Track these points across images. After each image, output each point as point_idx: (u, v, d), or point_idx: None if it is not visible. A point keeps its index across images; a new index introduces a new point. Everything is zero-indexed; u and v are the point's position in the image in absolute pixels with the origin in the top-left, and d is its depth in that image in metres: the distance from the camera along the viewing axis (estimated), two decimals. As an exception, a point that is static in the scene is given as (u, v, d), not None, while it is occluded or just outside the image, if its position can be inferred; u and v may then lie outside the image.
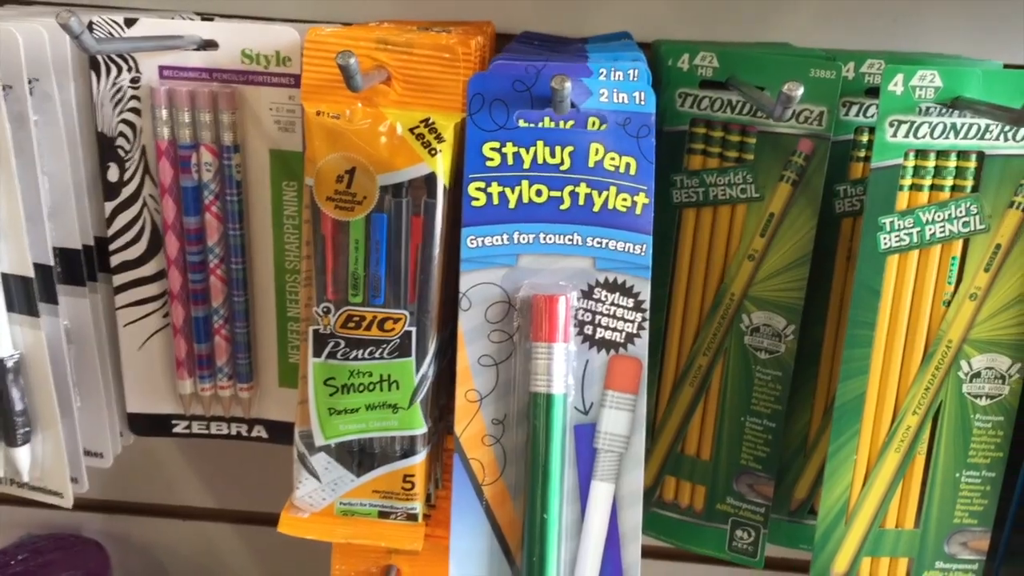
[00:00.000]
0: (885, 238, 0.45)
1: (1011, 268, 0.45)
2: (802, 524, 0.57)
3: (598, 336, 0.40)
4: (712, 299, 0.53)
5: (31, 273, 0.47)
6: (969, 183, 0.45)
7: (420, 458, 0.49)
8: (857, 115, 0.50)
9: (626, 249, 0.40)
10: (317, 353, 0.47)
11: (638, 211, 0.40)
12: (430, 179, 0.44)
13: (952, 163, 0.45)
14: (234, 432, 0.58)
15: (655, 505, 0.58)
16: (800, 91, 0.40)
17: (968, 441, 0.48)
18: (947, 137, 0.44)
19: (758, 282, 0.52)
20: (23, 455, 0.50)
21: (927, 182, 0.45)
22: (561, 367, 0.40)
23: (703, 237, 0.53)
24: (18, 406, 0.49)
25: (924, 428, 0.48)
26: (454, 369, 0.53)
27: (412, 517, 0.50)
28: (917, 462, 0.49)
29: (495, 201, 0.41)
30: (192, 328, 0.54)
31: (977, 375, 0.47)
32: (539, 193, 0.41)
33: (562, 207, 0.40)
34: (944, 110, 0.44)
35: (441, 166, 0.44)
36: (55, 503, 0.52)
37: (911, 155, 0.44)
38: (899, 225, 0.45)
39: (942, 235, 0.45)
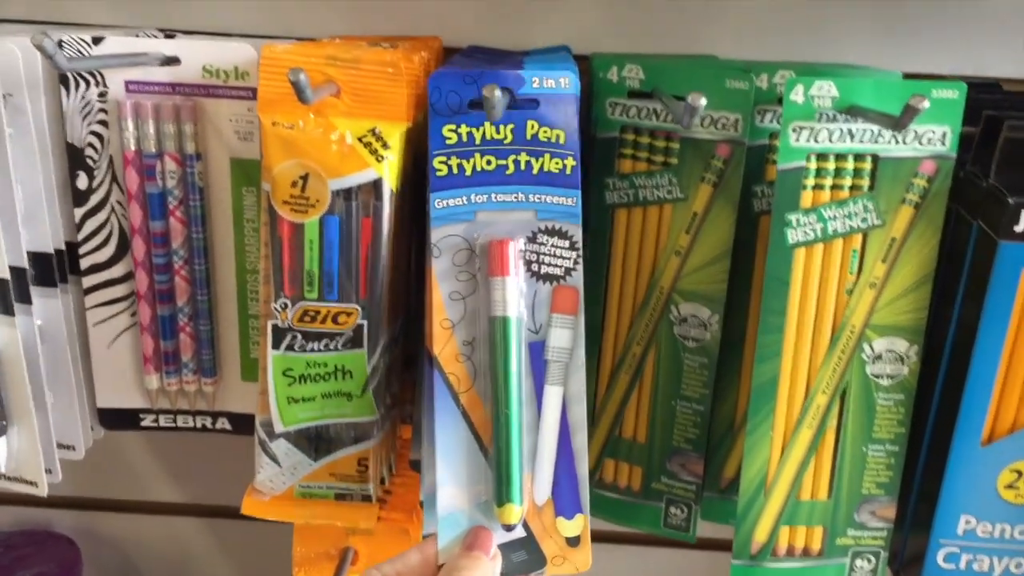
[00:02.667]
0: (792, 233, 0.50)
1: (906, 258, 0.50)
2: (732, 500, 0.61)
3: (542, 272, 0.48)
4: (644, 293, 0.58)
5: (7, 275, 0.51)
6: (866, 183, 0.50)
7: (373, 443, 0.53)
8: (771, 122, 0.55)
9: (560, 202, 0.48)
10: (276, 346, 0.50)
11: (568, 172, 0.48)
12: (378, 184, 0.48)
13: (850, 165, 0.49)
14: (199, 425, 0.61)
15: (596, 486, 0.62)
16: (703, 102, 0.45)
17: (873, 418, 0.53)
18: (844, 141, 0.49)
19: (685, 276, 0.56)
20: (0, 448, 0.54)
21: (828, 182, 0.50)
22: (514, 296, 0.47)
23: (634, 235, 0.57)
24: (-7, 400, 0.53)
25: (833, 406, 0.52)
26: (406, 360, 0.58)
27: (367, 498, 0.54)
28: (828, 438, 0.53)
29: (455, 171, 0.47)
30: (158, 326, 0.58)
31: (879, 357, 0.52)
32: (489, 163, 0.47)
33: (507, 172, 0.48)
34: (841, 116, 0.48)
35: (388, 171, 0.48)
36: (30, 492, 0.55)
37: (813, 158, 0.49)
38: (804, 221, 0.50)
39: (843, 230, 0.50)
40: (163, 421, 0.61)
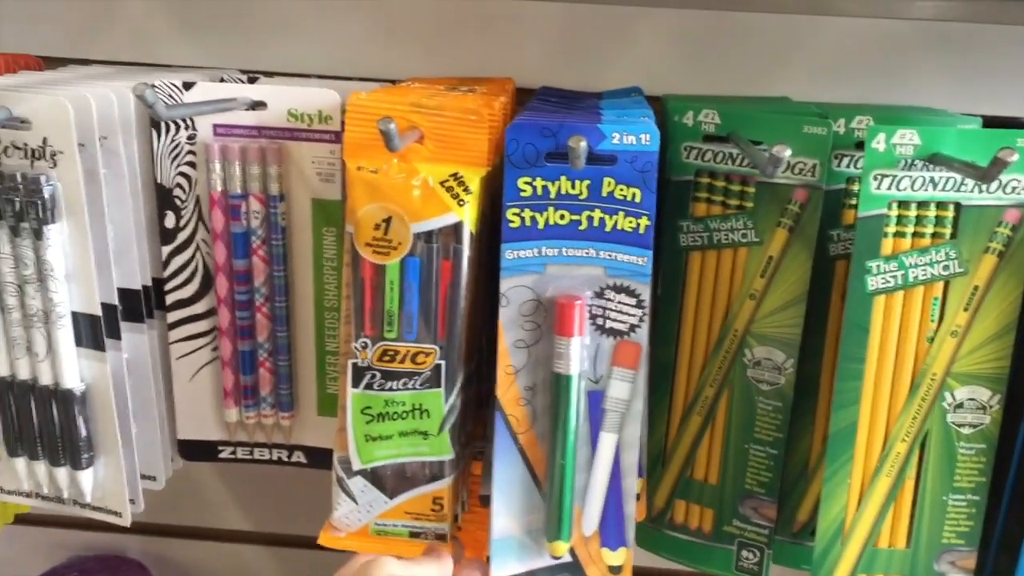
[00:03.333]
0: (872, 280, 0.50)
1: (988, 307, 0.50)
2: (804, 545, 0.61)
3: (607, 326, 0.49)
4: (717, 335, 0.58)
5: (99, 312, 0.52)
6: (948, 231, 0.49)
7: (448, 482, 0.53)
8: (848, 167, 0.55)
9: (631, 261, 0.49)
10: (355, 384, 0.51)
11: (641, 231, 0.48)
12: (458, 227, 0.49)
13: (932, 213, 0.49)
14: (275, 457, 0.62)
15: (666, 527, 0.62)
16: (788, 153, 0.45)
17: (954, 467, 0.52)
18: (926, 189, 0.49)
19: (759, 319, 0.56)
20: (87, 478, 0.55)
21: (909, 230, 0.49)
22: (577, 355, 0.49)
23: (708, 278, 0.58)
24: (83, 433, 0.54)
25: (912, 454, 0.52)
26: (480, 398, 0.58)
27: (441, 537, 0.55)
28: (907, 486, 0.53)
29: (527, 223, 0.48)
30: (239, 361, 0.59)
31: (960, 406, 0.51)
32: (562, 217, 0.49)
33: (580, 228, 0.48)
34: (923, 165, 0.48)
35: (468, 215, 0.49)
36: (114, 522, 0.57)
37: (894, 205, 0.49)
38: (884, 268, 0.49)
39: (924, 277, 0.50)
40: (240, 453, 0.62)
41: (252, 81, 0.62)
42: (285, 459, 0.62)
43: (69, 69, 0.65)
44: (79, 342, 0.53)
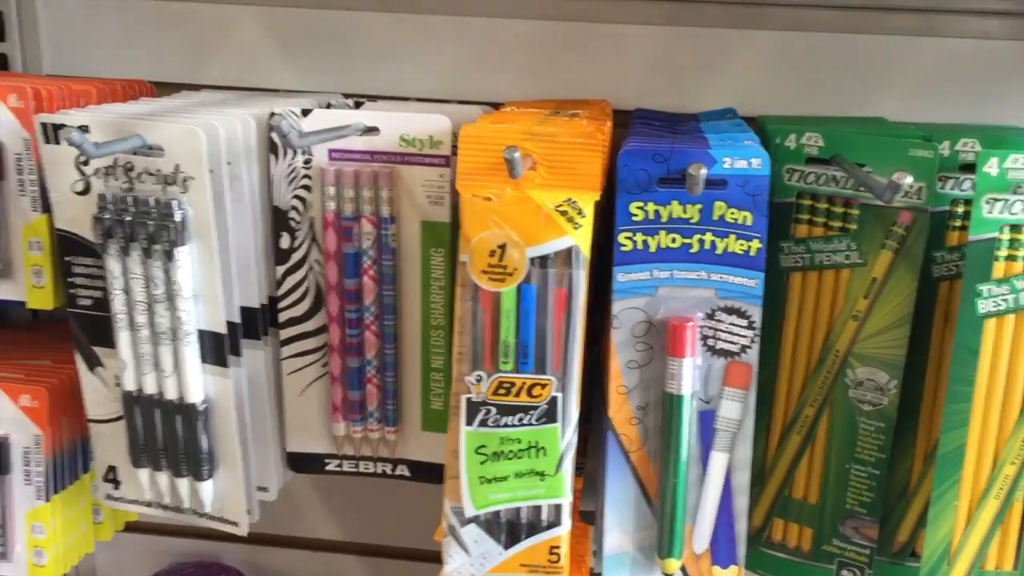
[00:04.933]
0: (983, 303, 0.50)
1: (1102, 331, 0.50)
2: (904, 566, 0.61)
3: (718, 347, 0.51)
4: (818, 355, 0.58)
5: (223, 329, 0.55)
6: (1061, 254, 0.49)
7: (566, 528, 0.53)
8: (953, 188, 0.55)
9: (742, 283, 0.50)
10: (470, 421, 0.52)
11: (752, 253, 0.50)
12: (573, 251, 0.50)
13: (1045, 236, 0.49)
14: (380, 471, 0.64)
15: (764, 545, 0.62)
16: (908, 180, 0.46)
17: (1064, 490, 0.52)
18: (1040, 213, 0.49)
19: (862, 340, 0.56)
20: (207, 489, 0.58)
21: (1021, 253, 0.49)
22: (689, 375, 0.50)
23: (809, 298, 0.58)
24: (205, 445, 0.57)
25: (1022, 477, 0.52)
26: (586, 435, 0.59)
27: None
28: (1015, 508, 0.53)
29: (639, 247, 0.50)
30: (348, 377, 0.61)
31: (1072, 429, 0.51)
32: (673, 240, 0.50)
33: (692, 251, 0.50)
34: (1037, 189, 0.48)
35: (583, 239, 0.50)
36: (231, 531, 0.59)
37: (1006, 229, 0.49)
38: (996, 292, 0.50)
39: (1037, 301, 0.50)
40: (347, 466, 0.64)
41: (358, 106, 0.65)
42: (389, 472, 0.64)
43: (183, 95, 0.68)
44: (203, 358, 0.56)
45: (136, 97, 0.68)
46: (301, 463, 0.64)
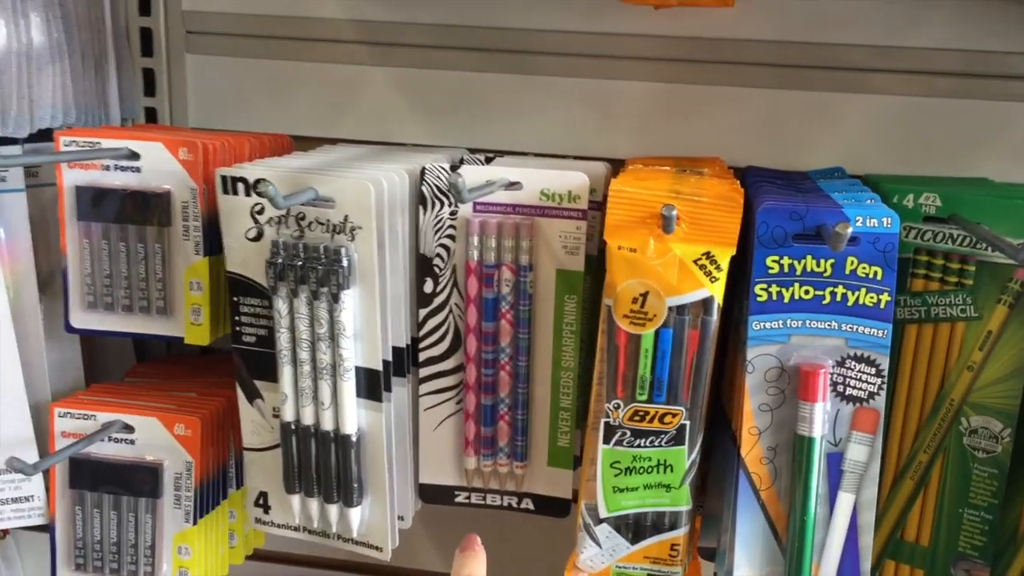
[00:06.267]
0: (1102, 358, 0.53)
1: None
2: (1013, 608, 0.63)
3: (847, 393, 0.54)
4: (932, 403, 0.61)
5: (380, 367, 0.59)
6: None
7: (685, 530, 0.58)
8: (1065, 248, 0.58)
9: (871, 333, 0.54)
10: (607, 440, 0.57)
11: (882, 306, 0.54)
12: (708, 301, 0.55)
13: None
14: (506, 503, 0.68)
15: (875, 585, 0.65)
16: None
17: None
18: None
19: (976, 390, 0.59)
20: (356, 515, 0.62)
21: None
22: (820, 419, 0.54)
23: (924, 349, 0.61)
24: (356, 474, 0.61)
25: None
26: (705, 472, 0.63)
27: (676, 582, 0.59)
28: None
29: (773, 298, 0.54)
30: (481, 414, 0.65)
31: None
32: (807, 292, 0.54)
33: (824, 302, 0.54)
34: None
35: (718, 291, 0.54)
36: (375, 556, 0.63)
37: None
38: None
39: None
40: (475, 499, 0.68)
41: (488, 161, 0.70)
42: (515, 505, 0.68)
43: (324, 149, 0.74)
44: (358, 393, 0.60)
45: (279, 149, 0.74)
46: (432, 494, 0.68)
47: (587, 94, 0.77)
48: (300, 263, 0.58)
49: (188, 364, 0.81)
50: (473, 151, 0.76)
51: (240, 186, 0.59)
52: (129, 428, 0.67)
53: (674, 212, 0.50)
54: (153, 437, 0.67)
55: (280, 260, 0.59)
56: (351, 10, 0.78)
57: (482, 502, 0.68)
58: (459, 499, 0.68)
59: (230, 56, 0.80)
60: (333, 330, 0.59)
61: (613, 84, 0.76)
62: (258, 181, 0.58)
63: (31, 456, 0.68)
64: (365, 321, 0.59)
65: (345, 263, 0.57)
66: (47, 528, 0.70)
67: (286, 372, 0.60)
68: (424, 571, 0.90)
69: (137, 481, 0.68)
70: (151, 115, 0.82)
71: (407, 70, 0.79)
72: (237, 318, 0.62)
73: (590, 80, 0.76)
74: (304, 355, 0.60)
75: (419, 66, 0.78)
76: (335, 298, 0.58)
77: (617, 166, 0.68)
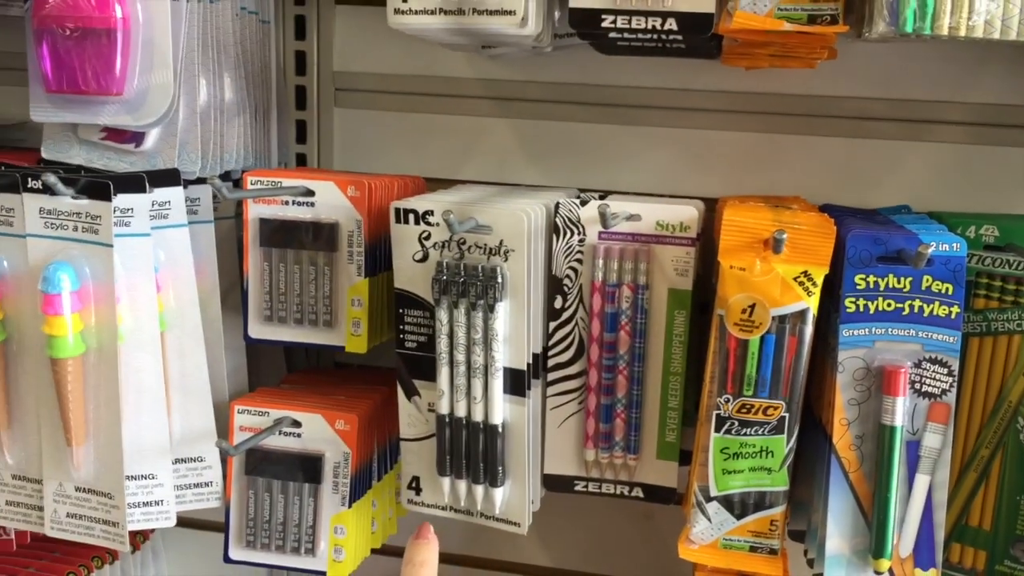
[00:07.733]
0: None
1: None
2: (1066, 586, 0.73)
3: (923, 390, 0.65)
4: (992, 405, 0.72)
5: (524, 368, 0.71)
6: None
7: (783, 508, 0.69)
8: (1106, 272, 0.69)
9: (944, 339, 0.65)
10: (717, 429, 0.68)
11: (953, 316, 0.64)
12: (805, 312, 0.66)
13: None
14: (618, 492, 0.79)
15: (944, 566, 0.75)
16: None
17: None
18: None
19: (1031, 393, 0.70)
20: (500, 494, 0.73)
21: None
22: (901, 411, 0.65)
23: (985, 359, 0.72)
24: (501, 458, 0.72)
25: None
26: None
27: (773, 552, 0.70)
28: None
29: (861, 309, 0.65)
30: (601, 412, 0.76)
31: None
32: (889, 305, 0.65)
33: (903, 313, 0.65)
34: None
35: (813, 303, 0.65)
36: (513, 531, 0.74)
37: None
38: None
39: None
40: (591, 487, 0.79)
41: (602, 198, 0.81)
42: (626, 493, 0.79)
43: (458, 189, 0.86)
44: (504, 390, 0.72)
45: (417, 189, 0.86)
46: (555, 483, 0.79)
47: (683, 142, 0.89)
48: (462, 279, 0.70)
49: (329, 375, 0.93)
50: (583, 191, 0.88)
51: (411, 216, 0.71)
52: (296, 423, 0.79)
53: (784, 236, 0.62)
54: (317, 431, 0.79)
55: (444, 277, 0.71)
56: (478, 70, 0.91)
57: (598, 491, 0.79)
58: (578, 487, 0.79)
59: (372, 109, 0.94)
60: (487, 336, 0.70)
61: (706, 134, 0.88)
62: (411, 211, 0.70)
63: (212, 448, 0.80)
64: (514, 328, 0.71)
65: (500, 280, 0.69)
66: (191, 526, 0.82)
67: (444, 372, 0.72)
68: (531, 565, 1.00)
69: (302, 469, 0.79)
70: (301, 159, 0.95)
71: (525, 121, 0.91)
72: (401, 327, 0.74)
73: (685, 130, 0.89)
74: (460, 357, 0.72)
75: (536, 118, 0.91)
76: (491, 308, 0.70)
77: (708, 205, 0.80)
